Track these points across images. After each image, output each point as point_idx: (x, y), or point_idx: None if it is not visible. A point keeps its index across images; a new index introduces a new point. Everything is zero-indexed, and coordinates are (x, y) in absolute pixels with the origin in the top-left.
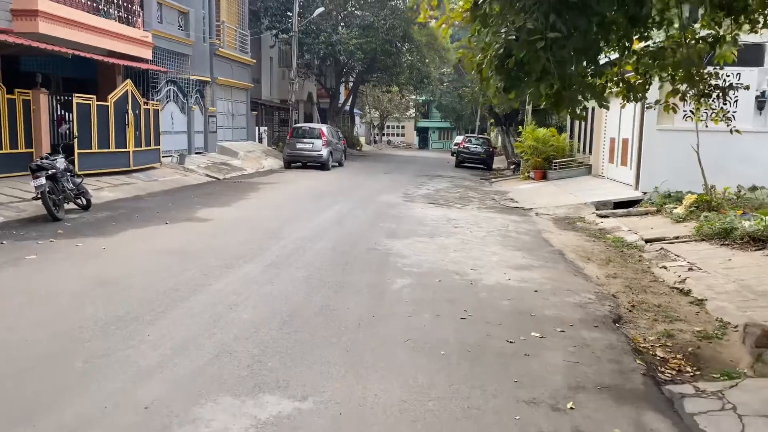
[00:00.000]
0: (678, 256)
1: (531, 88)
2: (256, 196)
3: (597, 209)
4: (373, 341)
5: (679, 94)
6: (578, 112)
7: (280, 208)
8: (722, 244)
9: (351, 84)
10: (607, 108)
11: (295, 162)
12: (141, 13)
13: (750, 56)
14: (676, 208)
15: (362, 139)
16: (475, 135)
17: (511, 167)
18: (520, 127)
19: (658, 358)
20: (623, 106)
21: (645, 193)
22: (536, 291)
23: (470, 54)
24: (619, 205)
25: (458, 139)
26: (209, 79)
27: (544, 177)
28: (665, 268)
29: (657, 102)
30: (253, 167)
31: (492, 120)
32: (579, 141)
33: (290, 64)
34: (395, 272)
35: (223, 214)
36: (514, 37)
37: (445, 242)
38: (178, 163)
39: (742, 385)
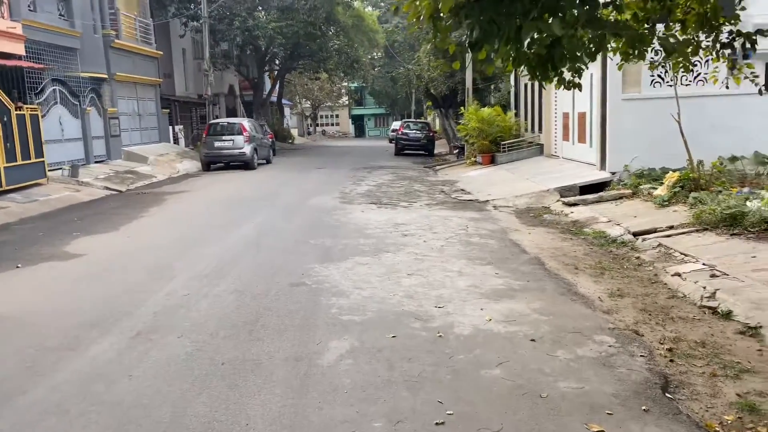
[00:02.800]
0: (685, 255)
1: (511, 42)
2: (157, 212)
3: (562, 196)
4: None
5: (691, 47)
6: (574, 76)
7: (182, 227)
8: (732, 234)
9: (276, 73)
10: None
11: (214, 163)
12: (6, 0)
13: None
14: (656, 189)
15: (294, 132)
16: (413, 120)
17: (455, 152)
18: (462, 108)
19: None
20: (620, 67)
21: (613, 173)
22: (533, 341)
23: None
24: (585, 189)
25: (396, 125)
26: (106, 76)
27: (492, 161)
28: (679, 275)
29: (666, 57)
30: (165, 173)
31: (429, 103)
32: (527, 119)
33: (205, 55)
34: (328, 327)
35: (103, 245)
36: None
37: (395, 261)
38: (70, 176)
39: None
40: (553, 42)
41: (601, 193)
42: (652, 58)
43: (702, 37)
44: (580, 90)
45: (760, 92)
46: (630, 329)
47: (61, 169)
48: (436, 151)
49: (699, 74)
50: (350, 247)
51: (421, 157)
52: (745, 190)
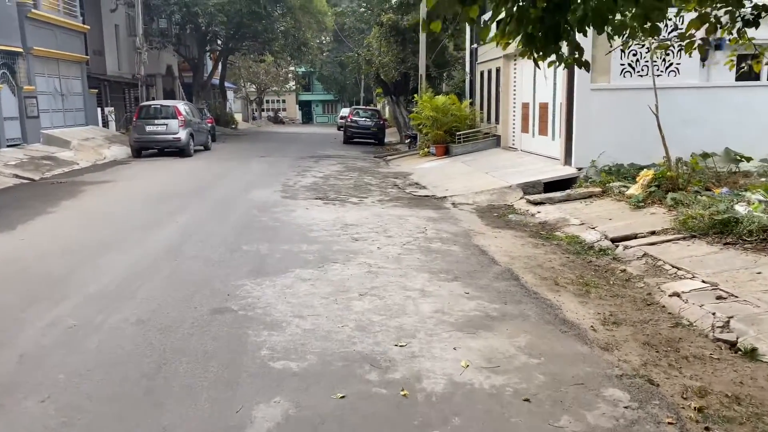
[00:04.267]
0: (677, 268)
1: None
2: (69, 207)
3: (525, 193)
4: None
5: (707, 24)
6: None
7: (93, 226)
8: (726, 244)
9: (218, 54)
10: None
11: (146, 149)
12: None
13: None
14: (628, 187)
15: (238, 116)
16: (363, 107)
17: (407, 141)
18: (414, 95)
19: None
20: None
21: (580, 169)
22: (527, 401)
23: None
24: (550, 185)
25: (344, 111)
26: (21, 50)
27: (447, 152)
28: (678, 296)
29: (684, 35)
30: (89, 159)
31: (379, 90)
32: (483, 109)
33: (138, 32)
34: (255, 381)
35: None
36: None
37: (344, 275)
38: None
39: None
40: (560, 4)
41: (568, 191)
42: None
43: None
44: (587, 70)
45: None
46: (641, 376)
47: None
48: (386, 140)
49: (671, 64)
50: (290, 255)
51: (371, 146)
52: (724, 190)
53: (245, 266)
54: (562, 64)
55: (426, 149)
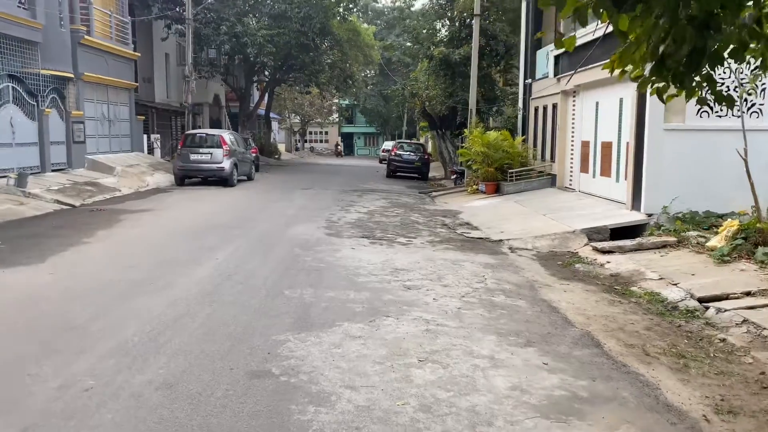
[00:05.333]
0: None
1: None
2: (103, 238)
3: (590, 239)
4: None
5: None
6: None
7: (126, 262)
8: None
9: (265, 84)
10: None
11: (189, 177)
12: None
13: None
14: (707, 238)
15: (281, 147)
16: (407, 141)
17: (452, 177)
18: (464, 130)
19: None
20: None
21: (650, 215)
22: None
23: None
24: (616, 232)
25: (387, 145)
26: (72, 75)
27: (497, 190)
28: None
29: None
30: (132, 186)
31: (424, 123)
32: (536, 146)
33: (187, 60)
34: None
35: (7, 286)
36: None
37: (398, 333)
38: (17, 185)
39: None
40: (705, 22)
41: (639, 240)
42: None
43: None
44: (731, 108)
45: None
46: None
47: (6, 177)
48: (430, 175)
49: (753, 104)
50: (337, 304)
51: (415, 180)
52: None
53: (288, 316)
54: (693, 99)
55: (474, 186)
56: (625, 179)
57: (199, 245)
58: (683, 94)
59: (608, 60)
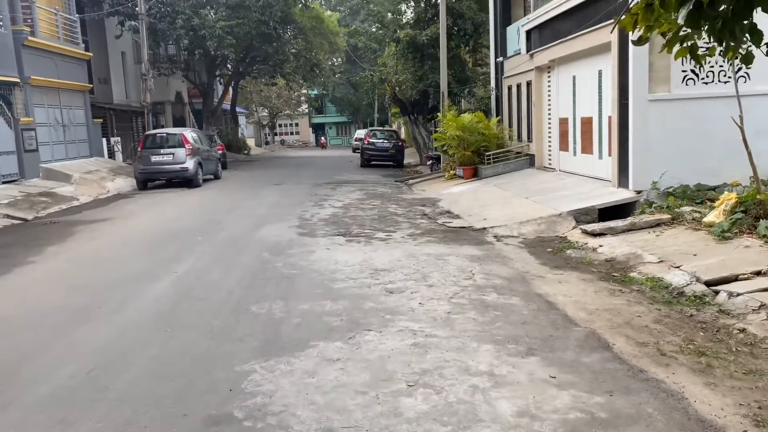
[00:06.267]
0: None
1: None
2: (53, 254)
3: (578, 222)
4: None
5: None
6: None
7: (75, 282)
8: None
9: (228, 78)
10: None
11: (152, 180)
12: None
13: None
14: (703, 214)
15: (251, 141)
16: (380, 128)
17: (428, 163)
18: (437, 114)
19: None
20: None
21: (638, 192)
22: None
23: None
24: (605, 212)
25: (360, 133)
26: (17, 80)
27: (475, 174)
28: None
29: None
30: (91, 194)
31: (396, 109)
32: (512, 126)
33: (143, 57)
34: None
35: None
36: None
37: (382, 352)
38: None
39: None
40: None
41: (631, 219)
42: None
43: None
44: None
45: None
46: None
47: None
48: (405, 162)
49: (740, 68)
50: (311, 318)
51: (390, 168)
52: None
53: (254, 339)
54: (731, 58)
55: (452, 171)
56: (609, 155)
57: (157, 257)
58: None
59: (581, 32)
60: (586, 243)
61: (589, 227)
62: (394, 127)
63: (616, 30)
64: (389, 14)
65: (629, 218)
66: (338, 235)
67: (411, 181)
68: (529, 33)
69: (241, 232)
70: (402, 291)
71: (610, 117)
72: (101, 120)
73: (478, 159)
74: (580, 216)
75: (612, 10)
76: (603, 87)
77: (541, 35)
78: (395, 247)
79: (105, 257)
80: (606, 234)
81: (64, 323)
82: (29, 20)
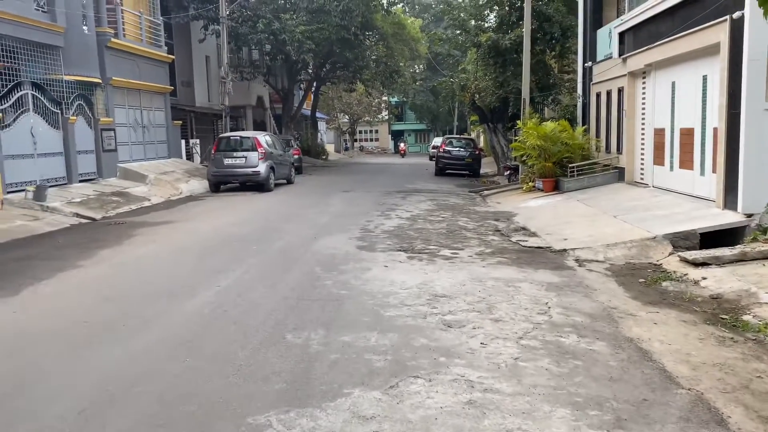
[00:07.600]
0: None
1: None
2: (103, 259)
3: (675, 246)
4: None
5: None
6: None
7: (111, 292)
8: None
9: (308, 84)
10: None
11: (223, 183)
12: None
13: None
14: None
15: (330, 147)
16: (457, 136)
17: (506, 173)
18: (517, 122)
19: None
20: None
21: (750, 216)
22: None
23: None
24: (706, 237)
25: (437, 141)
26: (99, 80)
27: (556, 187)
28: None
29: None
30: (163, 195)
31: (474, 117)
32: (600, 136)
33: (222, 60)
34: None
35: None
36: None
37: (427, 411)
38: (35, 199)
39: None
40: None
41: (741, 247)
42: None
43: None
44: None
45: None
46: None
47: (24, 190)
48: (482, 171)
49: None
50: (351, 355)
51: (466, 178)
52: None
53: (280, 379)
54: None
55: (530, 183)
56: (713, 172)
57: (204, 267)
58: None
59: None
60: (686, 274)
61: (690, 255)
62: (473, 135)
63: (728, 28)
64: (472, 21)
65: (738, 246)
66: (399, 250)
67: (486, 192)
68: (622, 35)
69: (298, 242)
70: (462, 325)
71: (715, 128)
72: (181, 122)
73: (560, 171)
74: (678, 241)
75: (722, 7)
76: (708, 94)
77: (636, 37)
78: (461, 267)
79: (152, 265)
80: (710, 264)
81: (76, 344)
82: (113, 22)
